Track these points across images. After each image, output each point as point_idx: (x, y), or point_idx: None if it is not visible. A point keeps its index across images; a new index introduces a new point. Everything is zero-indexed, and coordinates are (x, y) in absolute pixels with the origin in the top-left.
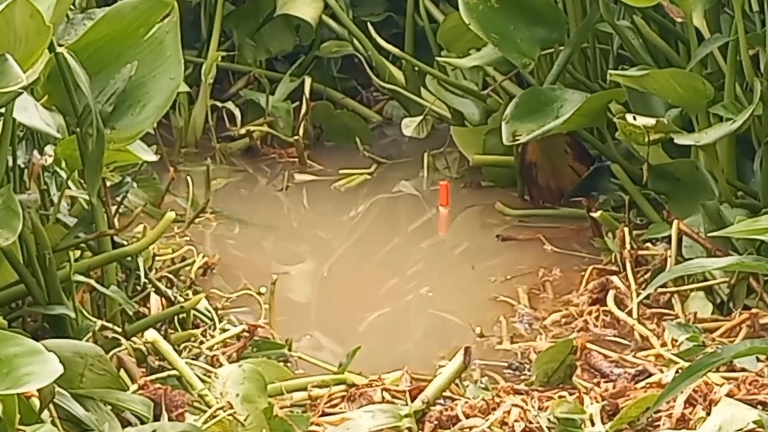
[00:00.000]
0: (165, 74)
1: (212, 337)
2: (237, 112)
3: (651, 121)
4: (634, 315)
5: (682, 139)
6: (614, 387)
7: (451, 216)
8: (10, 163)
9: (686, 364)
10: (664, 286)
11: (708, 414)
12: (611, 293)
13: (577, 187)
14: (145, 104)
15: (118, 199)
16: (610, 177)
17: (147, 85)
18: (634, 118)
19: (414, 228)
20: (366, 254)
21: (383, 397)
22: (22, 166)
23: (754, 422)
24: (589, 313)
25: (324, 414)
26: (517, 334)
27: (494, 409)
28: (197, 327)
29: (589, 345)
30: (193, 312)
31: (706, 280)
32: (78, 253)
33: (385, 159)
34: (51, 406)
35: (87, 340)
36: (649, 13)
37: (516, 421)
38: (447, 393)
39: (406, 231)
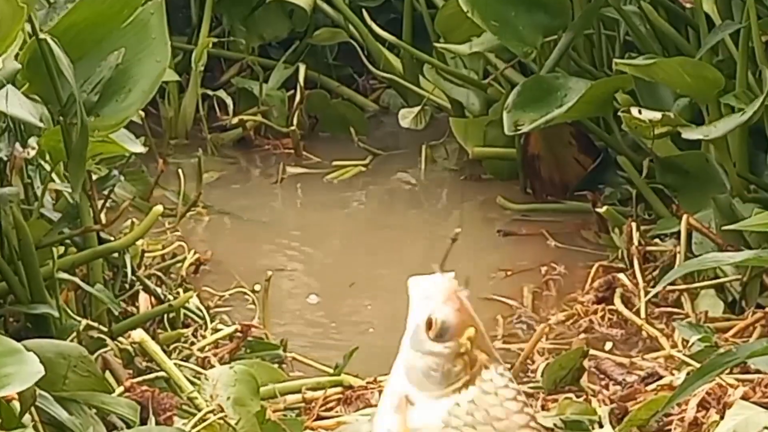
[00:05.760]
0: (150, 58)
1: (203, 337)
2: (229, 101)
3: (657, 115)
4: (642, 314)
5: (690, 133)
6: (623, 389)
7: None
8: None
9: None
10: (672, 283)
11: (721, 417)
12: (618, 291)
13: (582, 181)
14: (131, 89)
15: (105, 192)
16: (617, 169)
17: (132, 70)
18: (639, 112)
19: (411, 223)
20: (362, 251)
21: None
22: (5, 159)
23: None
24: (595, 312)
25: (319, 417)
26: (519, 333)
27: None
28: (187, 327)
29: (595, 350)
30: (183, 311)
31: (716, 277)
32: (62, 249)
33: (381, 150)
34: (32, 409)
35: (71, 341)
36: None
37: None
38: None
39: (402, 226)
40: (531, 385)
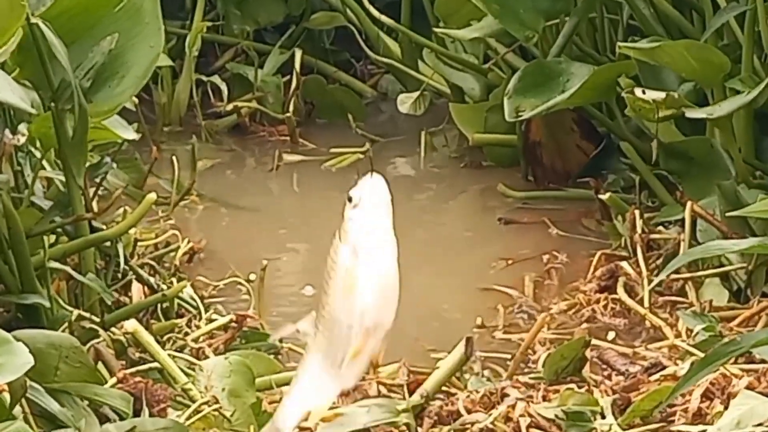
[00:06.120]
0: (144, 43)
1: (198, 327)
2: (223, 87)
3: (661, 95)
4: (646, 303)
5: (694, 113)
6: (626, 380)
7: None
8: None
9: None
10: (676, 272)
11: (726, 408)
12: (621, 280)
13: (584, 167)
14: (124, 75)
15: (97, 180)
16: (620, 156)
17: (125, 56)
18: (644, 92)
19: (410, 211)
20: None
21: (379, 391)
22: None
23: None
24: (597, 302)
25: None
26: (520, 323)
27: (498, 403)
28: (181, 317)
29: (598, 340)
30: (177, 301)
31: (721, 265)
32: (54, 238)
33: (380, 137)
34: (23, 401)
35: (63, 331)
36: None
37: (521, 416)
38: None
39: (401, 214)
40: (532, 375)
